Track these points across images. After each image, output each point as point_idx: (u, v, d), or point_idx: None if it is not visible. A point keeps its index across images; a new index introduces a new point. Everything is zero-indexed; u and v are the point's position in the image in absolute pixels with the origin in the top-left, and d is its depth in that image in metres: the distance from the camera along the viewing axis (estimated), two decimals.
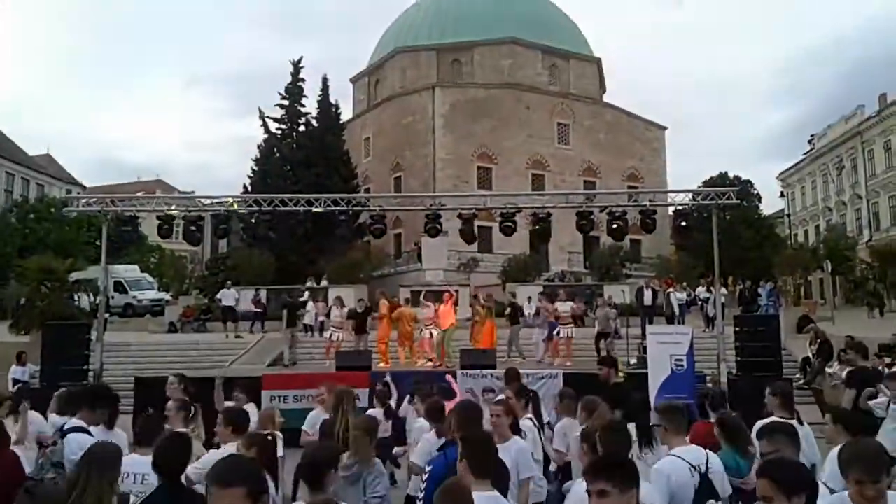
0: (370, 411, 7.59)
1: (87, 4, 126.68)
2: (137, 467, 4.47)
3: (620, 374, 8.94)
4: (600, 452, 4.14)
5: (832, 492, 3.57)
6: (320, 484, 3.83)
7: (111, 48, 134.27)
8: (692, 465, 4.47)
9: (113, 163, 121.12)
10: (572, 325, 18.62)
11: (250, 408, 6.95)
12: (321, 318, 22.99)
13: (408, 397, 7.84)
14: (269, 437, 5.05)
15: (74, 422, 5.47)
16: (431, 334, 18.11)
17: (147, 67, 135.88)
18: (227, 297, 25.97)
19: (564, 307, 18.60)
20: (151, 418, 5.31)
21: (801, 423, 5.63)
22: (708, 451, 4.72)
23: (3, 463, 4.68)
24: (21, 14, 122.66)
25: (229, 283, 27.76)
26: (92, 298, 16.99)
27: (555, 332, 18.47)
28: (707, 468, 4.49)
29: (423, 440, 5.50)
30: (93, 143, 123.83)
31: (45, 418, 6.82)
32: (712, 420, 6.01)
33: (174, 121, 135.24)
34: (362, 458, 4.59)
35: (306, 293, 25.10)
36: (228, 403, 7.09)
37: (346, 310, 19.36)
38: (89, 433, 5.30)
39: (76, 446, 4.84)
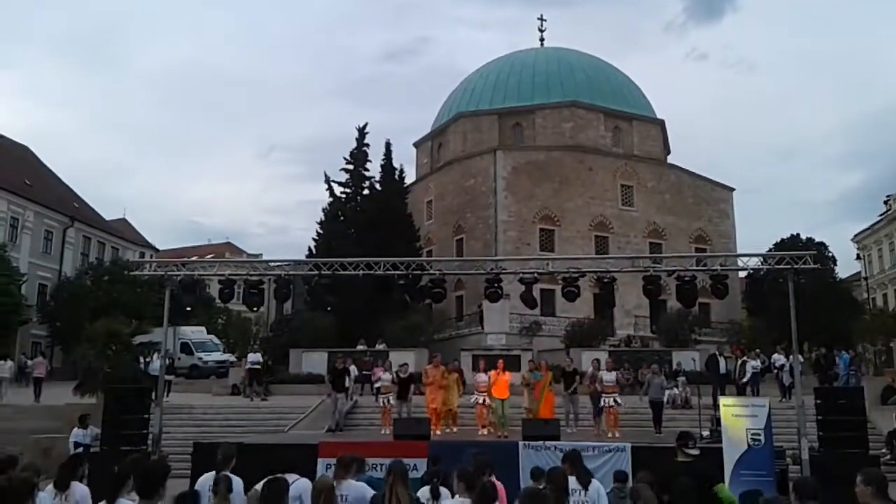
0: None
1: (170, 77, 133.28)
2: None
3: (690, 453, 8.33)
4: None
5: None
6: None
7: (190, 118, 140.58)
8: None
9: (188, 227, 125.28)
10: (617, 394, 17.87)
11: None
12: (377, 383, 22.83)
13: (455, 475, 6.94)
14: None
15: None
16: (485, 401, 17.73)
17: (224, 136, 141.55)
18: (253, 360, 26.87)
19: (609, 376, 17.87)
20: (277, 484, 5.35)
21: None
22: None
23: None
24: (103, 83, 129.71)
25: (256, 346, 28.29)
26: (166, 361, 17.35)
27: (600, 404, 17.78)
28: None
29: None
30: (169, 209, 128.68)
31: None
32: None
33: (249, 186, 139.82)
34: None
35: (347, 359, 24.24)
36: None
37: (391, 374, 19.10)
38: None
39: None
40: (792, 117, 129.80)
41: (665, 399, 20.35)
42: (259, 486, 5.58)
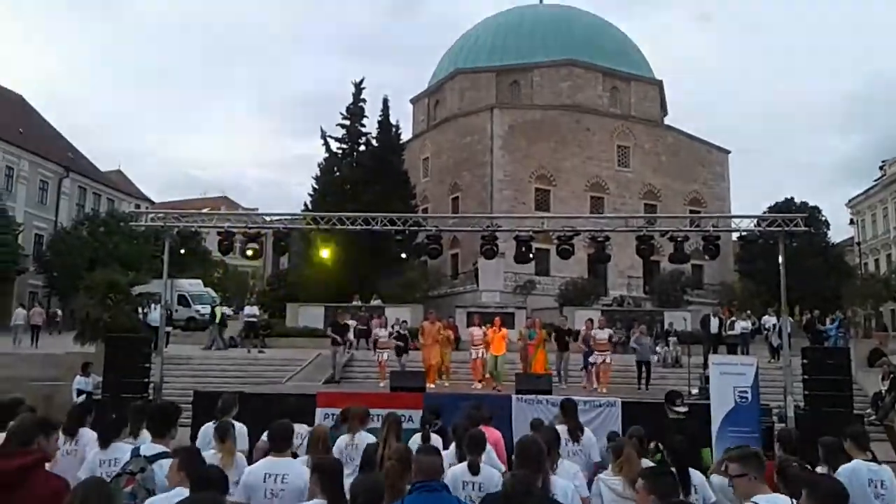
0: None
1: (162, 31, 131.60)
2: (276, 468, 5.06)
3: (679, 411, 8.55)
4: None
5: None
6: None
7: (186, 72, 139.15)
8: None
9: (183, 181, 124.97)
10: (609, 352, 18.23)
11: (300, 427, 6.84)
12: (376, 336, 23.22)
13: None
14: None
15: (154, 447, 5.31)
16: (482, 355, 18.14)
17: (220, 90, 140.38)
18: (249, 312, 27.52)
19: (602, 334, 18.25)
20: (285, 426, 5.52)
21: (878, 462, 5.31)
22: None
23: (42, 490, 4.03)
24: (97, 36, 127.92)
25: (252, 299, 28.60)
26: (164, 311, 17.59)
27: (590, 360, 18.11)
28: None
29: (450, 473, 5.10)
30: (164, 162, 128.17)
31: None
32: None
33: (245, 140, 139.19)
34: (393, 491, 4.29)
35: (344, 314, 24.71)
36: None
37: (389, 330, 19.47)
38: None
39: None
40: (795, 79, 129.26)
41: (655, 359, 20.73)
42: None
